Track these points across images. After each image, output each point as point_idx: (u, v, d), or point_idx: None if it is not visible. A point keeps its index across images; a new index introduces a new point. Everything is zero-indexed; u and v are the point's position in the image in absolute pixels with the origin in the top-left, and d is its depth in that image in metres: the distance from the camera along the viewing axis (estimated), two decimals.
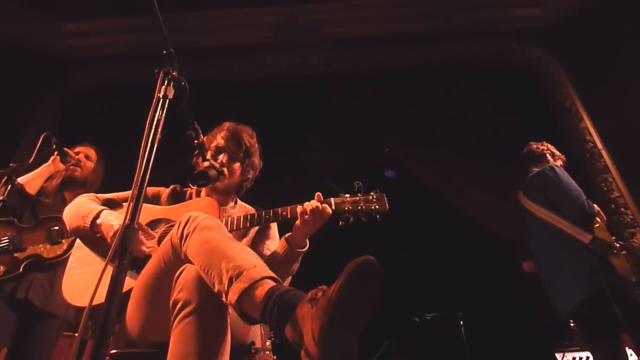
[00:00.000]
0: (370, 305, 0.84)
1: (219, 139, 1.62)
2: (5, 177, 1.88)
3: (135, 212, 0.86)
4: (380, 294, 0.85)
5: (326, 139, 4.52)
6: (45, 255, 1.98)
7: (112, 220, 1.37)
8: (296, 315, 0.84)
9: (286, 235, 1.46)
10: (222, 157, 1.58)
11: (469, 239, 4.33)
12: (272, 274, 0.95)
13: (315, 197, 1.42)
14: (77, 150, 2.35)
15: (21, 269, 1.93)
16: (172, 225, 1.42)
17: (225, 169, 1.55)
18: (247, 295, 0.90)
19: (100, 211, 1.42)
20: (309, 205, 1.38)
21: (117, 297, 0.76)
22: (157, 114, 0.98)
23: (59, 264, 1.98)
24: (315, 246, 1.48)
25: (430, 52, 4.13)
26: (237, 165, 1.62)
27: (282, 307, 0.85)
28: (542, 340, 3.41)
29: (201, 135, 1.34)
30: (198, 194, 1.64)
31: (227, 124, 1.68)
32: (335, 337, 0.78)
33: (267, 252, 1.55)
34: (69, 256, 1.50)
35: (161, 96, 1.01)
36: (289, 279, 1.50)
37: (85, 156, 2.36)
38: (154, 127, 0.95)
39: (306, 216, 1.37)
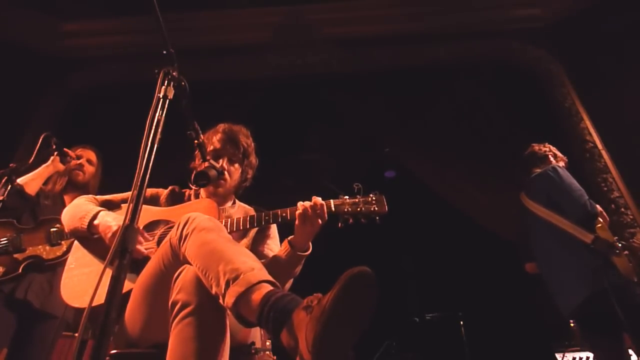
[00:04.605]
0: (364, 316, 0.84)
1: (215, 142, 1.60)
2: (5, 178, 1.88)
3: (135, 213, 0.85)
4: (375, 305, 0.85)
5: (326, 139, 4.52)
6: (45, 257, 1.98)
7: (110, 221, 1.36)
8: (292, 321, 0.84)
9: (289, 238, 1.45)
10: (221, 162, 1.57)
11: (469, 239, 4.33)
12: (270, 278, 0.95)
13: (312, 200, 1.41)
14: (78, 153, 2.34)
15: (20, 270, 1.93)
16: (171, 227, 1.42)
17: (226, 173, 1.55)
18: (243, 299, 0.89)
19: (98, 212, 1.42)
20: (307, 202, 1.39)
21: (117, 297, 0.76)
22: (157, 114, 0.97)
23: (59, 265, 1.98)
24: (315, 246, 1.48)
25: (430, 52, 4.13)
26: (236, 166, 1.62)
27: (278, 313, 0.85)
28: (542, 340, 3.41)
29: (201, 136, 1.34)
30: (197, 195, 1.63)
31: (221, 126, 1.65)
32: (328, 347, 0.78)
33: (268, 252, 1.55)
34: (67, 257, 1.50)
35: (161, 96, 1.01)
36: (291, 281, 1.49)
37: (87, 160, 2.37)
38: (154, 127, 0.95)
39: (300, 211, 1.36)
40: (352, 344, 0.83)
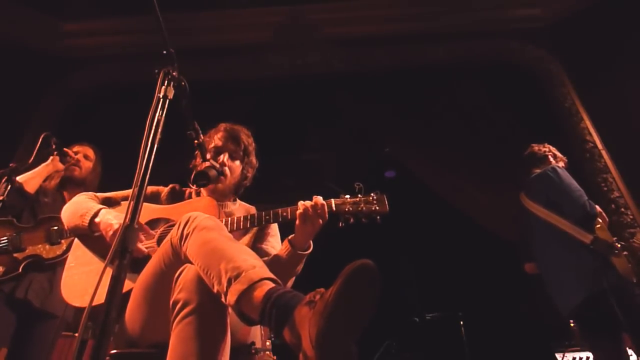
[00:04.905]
0: (367, 309, 0.84)
1: (217, 140, 1.62)
2: (5, 177, 1.88)
3: (135, 212, 0.85)
4: (377, 298, 0.84)
5: (326, 139, 4.52)
6: (45, 256, 1.98)
7: (111, 219, 1.36)
8: (294, 317, 0.83)
9: (289, 237, 1.45)
10: (222, 157, 1.58)
11: (469, 239, 4.33)
12: (271, 275, 0.94)
13: (313, 200, 1.41)
14: (75, 149, 2.34)
15: (20, 269, 1.93)
16: (172, 225, 1.42)
17: (226, 169, 1.56)
18: (245, 296, 0.89)
19: (99, 210, 1.42)
20: (308, 202, 1.38)
21: (117, 297, 0.76)
22: (157, 114, 0.97)
23: (59, 264, 1.98)
24: (316, 246, 1.48)
25: (430, 52, 4.13)
26: (237, 163, 1.63)
27: (281, 309, 0.85)
28: (542, 340, 3.41)
29: (201, 135, 1.35)
30: (198, 194, 1.64)
31: (223, 125, 1.67)
32: (332, 341, 0.78)
33: (270, 250, 1.55)
34: (67, 256, 1.50)
35: (161, 96, 1.01)
36: (292, 280, 1.50)
37: (84, 156, 2.36)
38: (154, 127, 0.95)
39: (301, 210, 1.36)
40: (356, 338, 0.82)
